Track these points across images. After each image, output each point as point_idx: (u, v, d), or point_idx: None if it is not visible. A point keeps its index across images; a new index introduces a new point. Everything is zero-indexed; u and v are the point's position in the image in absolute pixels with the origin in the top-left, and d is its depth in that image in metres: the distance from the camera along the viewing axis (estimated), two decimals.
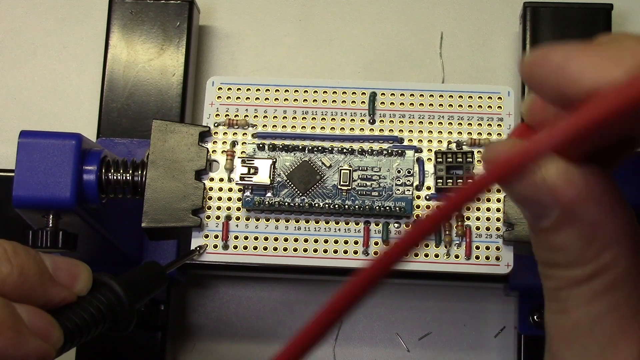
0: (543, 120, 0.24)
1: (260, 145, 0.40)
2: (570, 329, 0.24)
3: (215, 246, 0.39)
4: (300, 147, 0.40)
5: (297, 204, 0.39)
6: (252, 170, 0.39)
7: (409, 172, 0.39)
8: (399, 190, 0.39)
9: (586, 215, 0.23)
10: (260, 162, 0.39)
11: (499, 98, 0.40)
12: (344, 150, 0.39)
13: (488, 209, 0.39)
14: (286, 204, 0.39)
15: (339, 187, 0.39)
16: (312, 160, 0.40)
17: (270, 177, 0.39)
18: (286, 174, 0.39)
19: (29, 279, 0.29)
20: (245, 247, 0.39)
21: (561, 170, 0.23)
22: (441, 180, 0.38)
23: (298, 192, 0.39)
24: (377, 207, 0.38)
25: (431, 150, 0.39)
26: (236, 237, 0.39)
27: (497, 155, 0.24)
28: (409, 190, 0.39)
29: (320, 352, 0.47)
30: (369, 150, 0.39)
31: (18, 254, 0.29)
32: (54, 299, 0.30)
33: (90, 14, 0.53)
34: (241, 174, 0.39)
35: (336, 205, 0.39)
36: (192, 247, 0.39)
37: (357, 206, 0.39)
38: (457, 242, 0.38)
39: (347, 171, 0.39)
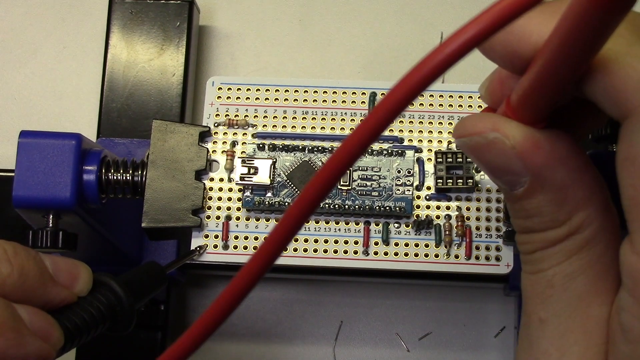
0: (502, 98, 0.25)
1: (260, 145, 0.40)
2: (544, 288, 0.25)
3: (215, 246, 0.39)
4: (300, 147, 0.40)
5: None
6: (252, 170, 0.39)
7: (409, 172, 0.39)
8: (399, 190, 0.39)
9: (555, 179, 0.24)
10: (260, 162, 0.39)
11: None
12: None
13: (488, 209, 0.39)
14: (286, 204, 0.39)
15: (339, 187, 0.39)
16: (312, 160, 0.40)
17: (270, 177, 0.39)
18: (286, 174, 0.39)
19: (29, 279, 0.29)
20: (245, 247, 0.39)
21: (527, 136, 0.24)
22: (441, 180, 0.38)
23: (298, 192, 0.39)
24: (377, 207, 0.38)
25: (431, 150, 0.39)
26: (236, 237, 0.39)
27: (465, 128, 0.25)
28: (409, 190, 0.39)
29: (320, 352, 0.47)
30: (369, 150, 0.39)
31: (18, 254, 0.29)
32: (54, 299, 0.30)
33: (90, 14, 0.53)
34: (241, 174, 0.39)
35: (336, 205, 0.39)
36: (192, 247, 0.39)
37: (357, 206, 0.39)
38: (457, 242, 0.38)
39: (347, 171, 0.39)
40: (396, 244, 0.39)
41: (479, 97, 0.40)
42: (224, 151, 0.40)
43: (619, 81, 0.21)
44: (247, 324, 0.48)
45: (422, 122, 0.40)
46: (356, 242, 0.39)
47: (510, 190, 0.25)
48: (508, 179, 0.25)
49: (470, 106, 0.40)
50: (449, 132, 0.40)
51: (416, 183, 0.39)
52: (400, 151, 0.39)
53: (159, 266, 0.37)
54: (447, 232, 0.38)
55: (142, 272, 0.36)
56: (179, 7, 0.48)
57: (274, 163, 0.39)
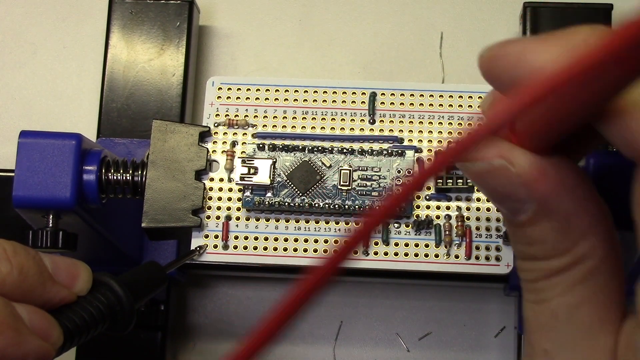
0: None
1: (260, 145, 0.40)
2: (548, 319, 0.24)
3: (215, 246, 0.39)
4: (300, 147, 0.40)
5: (297, 204, 0.39)
6: (252, 170, 0.39)
7: (409, 172, 0.39)
8: (399, 190, 0.39)
9: (561, 207, 0.23)
10: (260, 162, 0.39)
11: None
12: (344, 150, 0.39)
13: (488, 209, 0.39)
14: (286, 204, 0.39)
15: (339, 187, 0.39)
16: (312, 160, 0.40)
17: (270, 177, 0.39)
18: (286, 174, 0.39)
19: (28, 278, 0.29)
20: (245, 247, 0.39)
21: (533, 164, 0.23)
22: (441, 180, 0.38)
23: (298, 192, 0.39)
24: (377, 207, 0.38)
25: (431, 150, 0.39)
26: (236, 237, 0.39)
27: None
28: None
29: (320, 352, 0.47)
30: (369, 150, 0.39)
31: (18, 253, 0.29)
32: (53, 298, 0.30)
33: (90, 14, 0.53)
34: (241, 174, 0.39)
35: (336, 205, 0.39)
36: (192, 247, 0.39)
37: (357, 206, 0.39)
38: (457, 242, 0.38)
39: (347, 171, 0.39)
40: (396, 244, 0.39)
41: (479, 97, 0.40)
42: (224, 151, 0.40)
43: (635, 123, 0.21)
44: (247, 324, 0.48)
45: (422, 122, 0.40)
46: None
47: (513, 217, 0.24)
48: (511, 206, 0.24)
49: (470, 106, 0.40)
50: (448, 132, 0.40)
51: None
52: (400, 151, 0.39)
53: (159, 266, 0.37)
54: (447, 232, 0.38)
55: (142, 272, 0.36)
56: (179, 7, 0.48)
57: (274, 163, 0.39)
